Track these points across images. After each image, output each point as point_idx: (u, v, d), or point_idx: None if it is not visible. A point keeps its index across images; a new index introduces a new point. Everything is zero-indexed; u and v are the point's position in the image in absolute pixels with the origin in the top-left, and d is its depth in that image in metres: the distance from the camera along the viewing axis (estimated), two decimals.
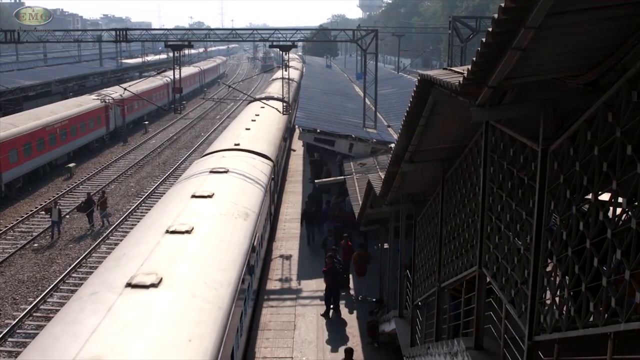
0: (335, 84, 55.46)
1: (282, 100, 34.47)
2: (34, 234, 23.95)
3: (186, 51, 62.82)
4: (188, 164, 32.69)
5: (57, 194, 29.69)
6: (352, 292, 18.60)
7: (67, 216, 26.12)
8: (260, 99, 36.58)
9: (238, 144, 20.96)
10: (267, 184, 17.88)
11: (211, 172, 16.13)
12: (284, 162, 32.45)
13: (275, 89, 43.92)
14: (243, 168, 17.61)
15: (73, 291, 18.45)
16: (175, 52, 33.75)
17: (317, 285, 18.39)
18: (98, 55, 72.74)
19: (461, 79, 5.19)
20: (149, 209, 21.79)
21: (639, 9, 3.90)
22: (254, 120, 27.52)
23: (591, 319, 4.58)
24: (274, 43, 32.92)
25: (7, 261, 21.13)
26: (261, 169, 18.84)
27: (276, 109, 33.19)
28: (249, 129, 24.91)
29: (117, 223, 25.24)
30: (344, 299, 17.92)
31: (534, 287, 5.63)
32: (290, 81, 40.32)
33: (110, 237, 23.83)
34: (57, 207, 24.13)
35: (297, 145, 39.60)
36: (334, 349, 15.11)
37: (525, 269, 5.89)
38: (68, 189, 30.65)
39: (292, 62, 58.09)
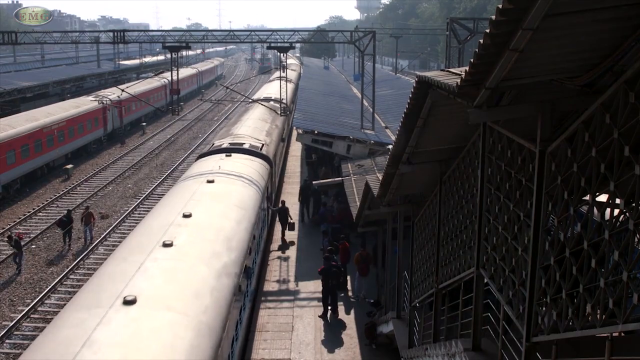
0: (333, 86, 55.46)
1: (259, 153, 21.02)
2: (31, 235, 23.89)
3: (184, 52, 62.72)
4: (186, 166, 32.66)
5: (55, 195, 29.64)
6: (350, 293, 18.61)
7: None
8: (220, 151, 20.80)
9: None
10: None
11: None
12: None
13: (247, 129, 26.19)
14: None
15: (71, 293, 18.44)
16: (173, 54, 33.79)
17: (314, 287, 18.38)
18: (95, 56, 72.64)
19: (459, 80, 5.20)
20: (147, 211, 21.67)
21: (636, 11, 3.91)
22: (188, 216, 12.23)
23: (589, 320, 4.58)
24: (272, 44, 32.95)
25: (4, 262, 21.06)
26: None
27: (245, 175, 17.85)
28: (168, 246, 10.37)
29: (114, 225, 25.19)
30: (342, 300, 17.92)
31: (531, 288, 5.63)
32: (281, 109, 28.59)
33: (108, 239, 23.79)
34: (15, 237, 20.92)
35: (295, 146, 39.50)
36: (331, 351, 15.11)
37: (523, 270, 5.89)
38: (65, 190, 30.59)
39: (275, 79, 51.19)
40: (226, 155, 19.62)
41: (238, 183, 16.71)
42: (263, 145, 22.70)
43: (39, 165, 32.51)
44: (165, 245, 10.20)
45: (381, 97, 39.03)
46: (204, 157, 20.76)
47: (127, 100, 43.98)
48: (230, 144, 22.09)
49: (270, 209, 21.80)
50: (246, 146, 21.62)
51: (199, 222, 12.06)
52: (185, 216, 12.12)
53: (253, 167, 19.14)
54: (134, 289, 8.34)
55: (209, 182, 15.70)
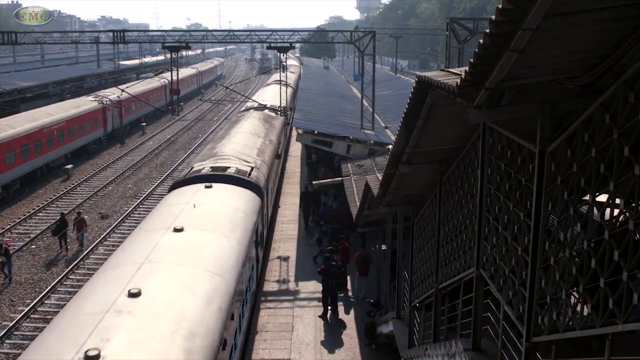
0: (333, 86, 55.48)
1: (247, 181, 17.48)
2: (31, 235, 23.89)
3: (183, 53, 62.74)
4: (185, 166, 32.67)
5: (55, 195, 29.64)
6: (350, 293, 18.62)
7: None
8: (199, 179, 17.00)
9: None
10: None
11: None
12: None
13: (234, 146, 22.08)
14: None
15: (71, 293, 18.44)
16: (173, 54, 33.84)
17: (314, 287, 18.39)
18: (95, 56, 72.66)
19: (458, 80, 5.19)
20: (147, 211, 21.60)
21: (636, 11, 3.91)
22: (136, 295, 8.35)
23: (589, 320, 4.58)
24: (272, 44, 32.96)
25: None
26: None
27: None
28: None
29: (114, 225, 25.18)
30: (342, 300, 17.93)
31: (531, 288, 5.63)
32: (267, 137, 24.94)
33: (108, 239, 23.78)
34: (4, 245, 20.23)
35: (295, 146, 39.46)
36: (331, 351, 15.12)
37: (523, 270, 5.89)
38: (65, 190, 30.59)
39: (272, 82, 47.66)
40: (205, 187, 15.70)
41: (217, 229, 12.51)
42: (252, 169, 19.02)
43: (38, 165, 32.49)
44: (88, 358, 6.59)
45: (381, 97, 39.03)
46: (179, 187, 16.83)
47: (127, 101, 43.97)
48: (213, 168, 18.38)
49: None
50: (232, 171, 18.01)
51: (150, 307, 8.19)
52: (131, 295, 8.28)
53: (239, 204, 15.29)
54: None
55: (176, 230, 11.69)
